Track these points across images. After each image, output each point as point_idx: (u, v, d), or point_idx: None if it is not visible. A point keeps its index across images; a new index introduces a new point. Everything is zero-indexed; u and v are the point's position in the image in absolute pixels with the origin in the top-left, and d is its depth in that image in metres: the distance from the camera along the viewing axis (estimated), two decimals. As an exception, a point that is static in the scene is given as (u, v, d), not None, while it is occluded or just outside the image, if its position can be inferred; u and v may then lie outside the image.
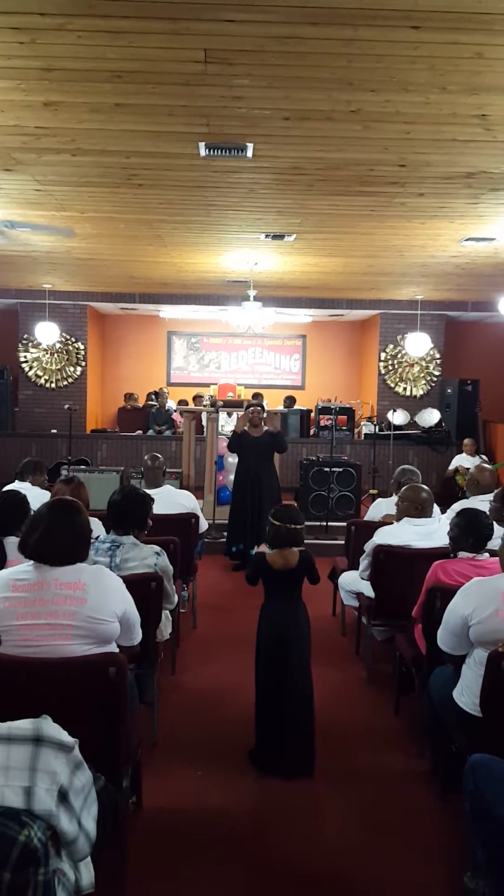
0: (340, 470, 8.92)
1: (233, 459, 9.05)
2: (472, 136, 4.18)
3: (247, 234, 6.79)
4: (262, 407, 7.41)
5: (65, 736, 1.66)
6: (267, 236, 6.83)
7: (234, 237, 6.97)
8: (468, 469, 8.09)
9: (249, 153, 4.47)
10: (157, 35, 3.12)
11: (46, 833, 1.54)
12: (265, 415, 7.36)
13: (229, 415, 11.06)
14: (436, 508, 4.50)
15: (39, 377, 11.61)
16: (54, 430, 11.15)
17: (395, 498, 4.85)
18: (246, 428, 7.28)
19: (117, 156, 4.66)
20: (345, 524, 5.99)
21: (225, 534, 8.12)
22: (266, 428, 7.27)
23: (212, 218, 6.23)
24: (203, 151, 4.47)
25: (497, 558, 3.06)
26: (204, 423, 9.43)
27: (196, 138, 4.29)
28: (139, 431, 11.82)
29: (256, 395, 9.63)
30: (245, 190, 5.35)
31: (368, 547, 4.36)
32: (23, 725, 1.63)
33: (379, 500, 5.65)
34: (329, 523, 8.39)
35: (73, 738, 1.70)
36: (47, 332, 10.84)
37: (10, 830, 1.45)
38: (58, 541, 2.57)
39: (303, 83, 3.54)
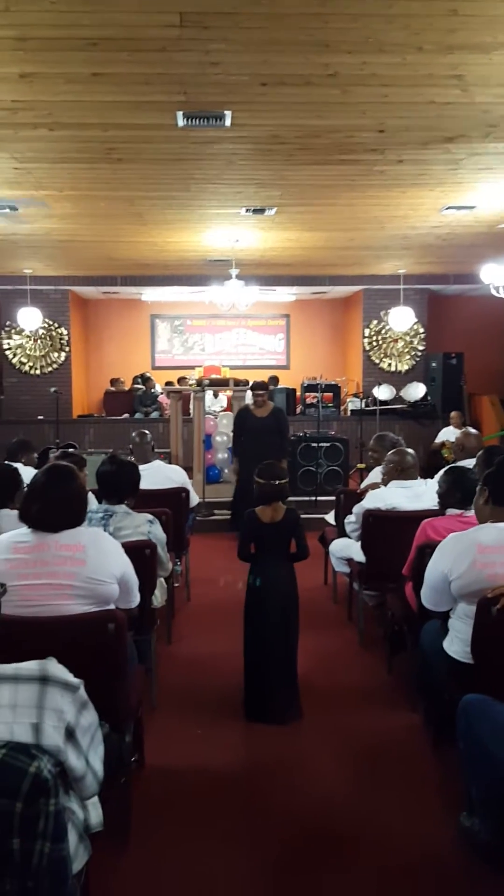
0: (328, 445, 8.97)
1: (220, 438, 9.10)
2: (449, 98, 4.19)
3: (227, 208, 6.78)
4: (266, 388, 7.41)
5: (70, 676, 1.70)
6: (248, 210, 6.82)
7: (214, 212, 6.96)
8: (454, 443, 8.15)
9: (228, 122, 4.47)
10: (132, -1, 3.10)
11: (56, 768, 1.57)
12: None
13: (215, 395, 11.08)
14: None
15: (24, 364, 11.56)
16: (41, 417, 11.12)
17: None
18: (251, 407, 7.32)
19: (95, 129, 4.64)
20: (333, 498, 6.04)
21: (215, 511, 8.18)
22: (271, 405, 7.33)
23: (191, 192, 6.21)
24: (181, 121, 4.45)
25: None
26: (191, 403, 9.43)
27: (174, 107, 4.28)
28: (126, 415, 11.81)
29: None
30: (224, 161, 5.34)
31: (357, 508, 4.41)
32: (29, 666, 1.67)
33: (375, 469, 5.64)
34: (318, 498, 8.45)
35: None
36: (30, 318, 10.77)
37: (20, 763, 1.48)
38: (57, 506, 2.60)
39: (279, 46, 3.53)
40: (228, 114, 4.37)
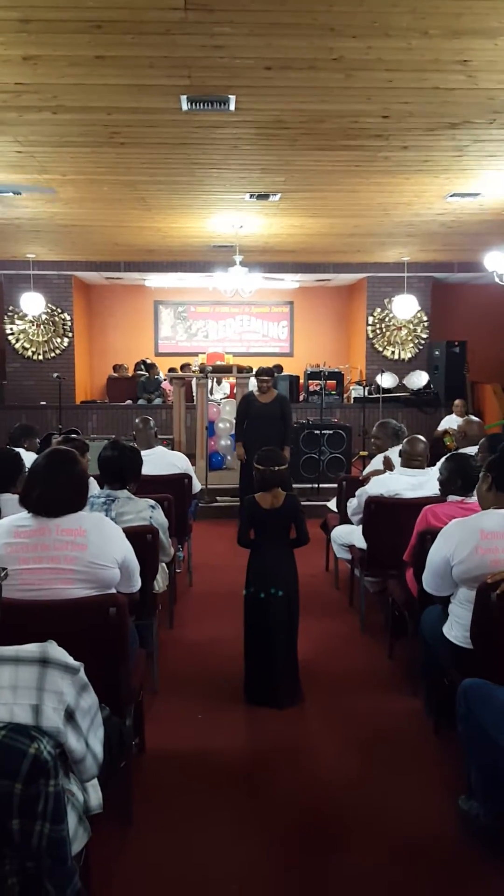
0: (331, 432, 8.97)
1: (223, 425, 9.11)
2: (454, 84, 4.16)
3: (231, 193, 6.74)
4: (271, 374, 7.40)
5: (69, 659, 1.71)
6: (252, 196, 6.79)
7: (218, 198, 6.92)
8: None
9: (232, 106, 4.43)
10: (136, -20, 3.08)
11: (55, 749, 1.59)
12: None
13: (218, 382, 11.08)
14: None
15: (27, 349, 11.55)
16: (43, 402, 11.12)
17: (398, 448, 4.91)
18: (255, 393, 7.32)
19: (98, 112, 4.61)
20: (335, 485, 6.04)
21: (218, 498, 8.20)
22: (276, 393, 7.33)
23: (195, 177, 6.18)
24: (185, 105, 4.42)
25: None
26: (194, 390, 9.44)
27: (178, 91, 4.25)
28: (129, 401, 11.81)
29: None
30: (228, 146, 5.31)
31: (360, 492, 4.43)
32: (29, 648, 1.68)
33: (380, 455, 5.63)
34: (320, 485, 8.47)
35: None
36: (33, 303, 10.76)
37: (20, 744, 1.50)
38: (58, 491, 2.60)
39: (284, 30, 3.51)
40: (233, 98, 4.34)
